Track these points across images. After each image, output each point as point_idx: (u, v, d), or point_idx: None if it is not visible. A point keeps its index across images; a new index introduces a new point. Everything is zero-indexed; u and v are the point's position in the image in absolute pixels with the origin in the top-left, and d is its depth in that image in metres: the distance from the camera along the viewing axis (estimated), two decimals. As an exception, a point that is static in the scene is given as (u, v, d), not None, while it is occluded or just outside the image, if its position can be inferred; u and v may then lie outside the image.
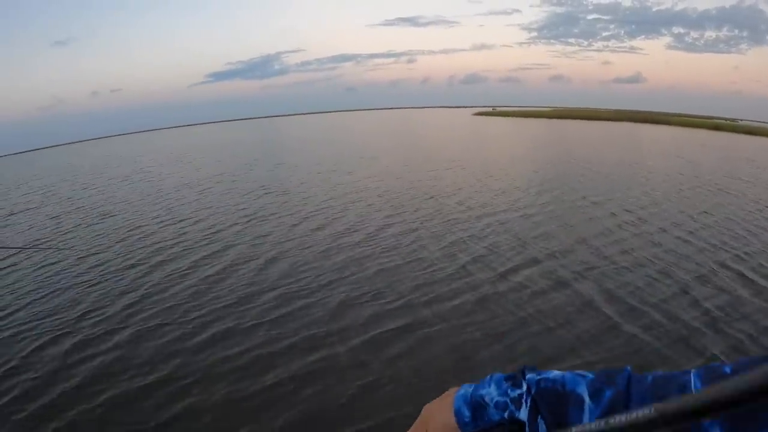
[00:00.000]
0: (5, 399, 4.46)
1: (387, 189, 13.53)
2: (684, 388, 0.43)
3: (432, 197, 12.13)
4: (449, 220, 9.76)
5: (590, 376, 0.50)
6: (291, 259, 7.93)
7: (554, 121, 50.00)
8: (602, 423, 0.33)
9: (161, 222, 11.33)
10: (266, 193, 14.06)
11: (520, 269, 6.95)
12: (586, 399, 0.47)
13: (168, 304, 6.39)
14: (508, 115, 62.83)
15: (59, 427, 4.05)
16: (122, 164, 28.02)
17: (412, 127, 49.34)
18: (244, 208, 12.09)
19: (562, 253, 7.58)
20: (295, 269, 7.40)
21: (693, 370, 0.45)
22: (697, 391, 0.37)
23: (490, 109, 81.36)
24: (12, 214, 14.59)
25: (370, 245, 8.37)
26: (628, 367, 0.50)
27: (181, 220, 11.25)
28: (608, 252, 7.61)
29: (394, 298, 6.12)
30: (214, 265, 7.85)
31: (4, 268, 8.55)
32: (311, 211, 11.19)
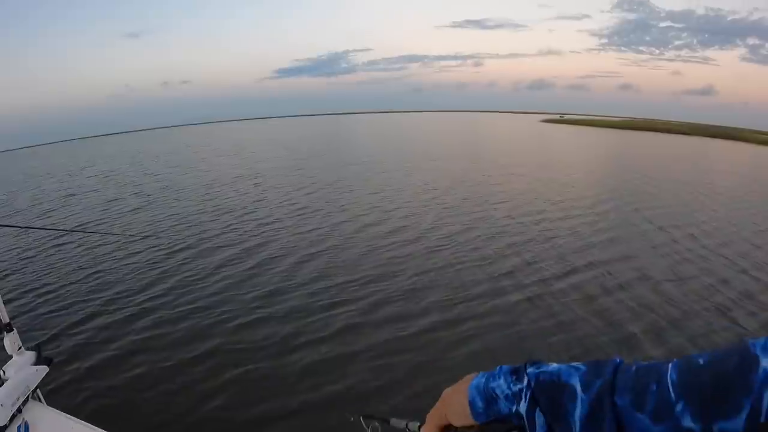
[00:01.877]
0: (61, 379, 4.40)
1: (457, 196, 12.76)
2: (660, 378, 0.44)
3: (502, 202, 11.51)
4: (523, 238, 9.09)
5: (583, 368, 0.51)
6: (352, 256, 7.78)
7: (624, 132, 46.99)
8: None
9: (218, 211, 11.55)
10: (333, 189, 13.92)
11: (592, 294, 6.24)
12: (578, 390, 0.49)
13: (227, 294, 6.38)
14: (577, 124, 60.22)
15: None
16: (187, 153, 29.18)
17: (486, 132, 48.29)
18: (308, 203, 12.01)
19: (641, 269, 7.06)
20: (358, 266, 7.26)
21: (671, 362, 0.46)
22: (672, 382, 0.43)
23: (558, 117, 78.51)
24: (72, 195, 15.46)
25: (436, 251, 8.02)
26: (618, 358, 0.50)
27: (233, 212, 11.37)
28: (688, 274, 6.92)
29: (459, 301, 6.00)
30: (282, 257, 7.84)
31: (77, 245, 8.99)
32: (378, 212, 10.86)
